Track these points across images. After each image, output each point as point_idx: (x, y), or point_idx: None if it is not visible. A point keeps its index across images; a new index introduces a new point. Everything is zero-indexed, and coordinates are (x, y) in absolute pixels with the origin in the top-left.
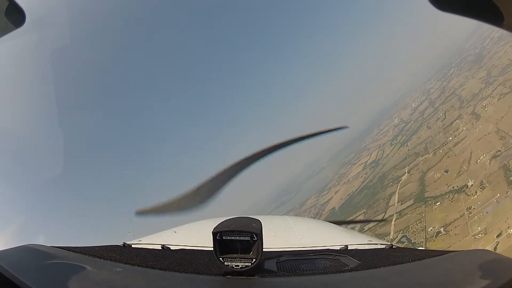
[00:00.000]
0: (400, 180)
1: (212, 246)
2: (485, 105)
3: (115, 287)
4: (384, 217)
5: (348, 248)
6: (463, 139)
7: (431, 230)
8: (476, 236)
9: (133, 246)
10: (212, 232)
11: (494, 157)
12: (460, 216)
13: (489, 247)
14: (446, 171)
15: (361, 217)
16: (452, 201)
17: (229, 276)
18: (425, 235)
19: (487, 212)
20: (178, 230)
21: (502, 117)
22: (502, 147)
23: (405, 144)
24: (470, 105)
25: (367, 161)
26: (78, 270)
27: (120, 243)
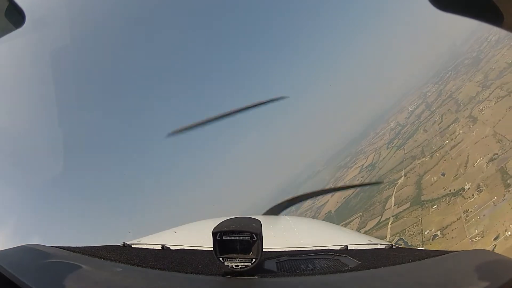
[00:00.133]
0: (397, 183)
1: (212, 246)
2: (482, 108)
3: (115, 287)
4: (380, 220)
5: (348, 248)
6: (460, 142)
7: (428, 233)
8: (473, 239)
9: (133, 246)
10: (212, 232)
11: (491, 160)
12: (457, 219)
13: None
14: (443, 175)
15: (357, 221)
16: (449, 204)
17: (229, 276)
18: (422, 238)
19: (484, 215)
20: (178, 230)
21: (500, 120)
22: (499, 150)
23: (402, 148)
24: (467, 109)
25: (363, 164)
26: (78, 270)
27: (120, 243)
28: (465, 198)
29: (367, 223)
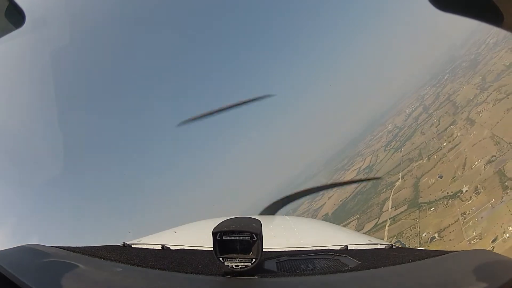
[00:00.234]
0: (394, 186)
1: (212, 246)
2: (480, 111)
3: (115, 287)
4: (378, 223)
5: (348, 248)
6: (457, 144)
7: (425, 235)
8: (471, 241)
9: (133, 246)
10: (212, 232)
11: (489, 162)
12: (455, 222)
13: None
14: (441, 177)
15: (354, 223)
16: (446, 207)
17: (229, 276)
18: (419, 241)
19: (482, 217)
20: (178, 230)
21: (497, 122)
22: (497, 152)
23: (399, 150)
24: (465, 111)
25: (360, 166)
26: (78, 270)
27: (120, 243)
28: (462, 201)
29: (364, 226)
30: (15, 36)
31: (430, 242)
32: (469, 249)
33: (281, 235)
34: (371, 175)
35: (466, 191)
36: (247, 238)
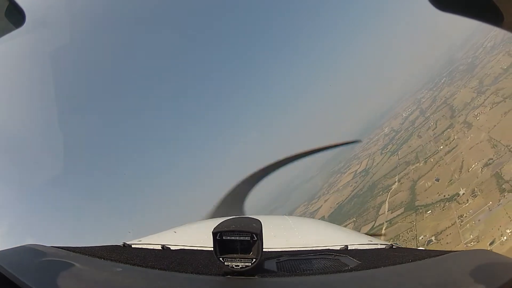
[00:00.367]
0: (391, 189)
1: (212, 246)
2: (477, 114)
3: (115, 287)
4: (374, 226)
5: (348, 248)
6: (454, 147)
7: (422, 238)
8: (468, 244)
9: (133, 246)
10: (212, 232)
11: (486, 165)
12: (452, 225)
13: None
14: (437, 180)
15: (351, 226)
16: (443, 210)
17: (229, 276)
18: (416, 244)
19: (479, 220)
20: (178, 230)
21: (495, 125)
22: (494, 155)
23: (396, 153)
24: (462, 114)
25: (357, 169)
26: (78, 270)
27: (120, 243)
28: (459, 203)
29: (360, 229)
30: (15, 36)
31: (427, 245)
32: None
33: (281, 235)
34: (368, 178)
35: (463, 194)
36: (247, 238)
